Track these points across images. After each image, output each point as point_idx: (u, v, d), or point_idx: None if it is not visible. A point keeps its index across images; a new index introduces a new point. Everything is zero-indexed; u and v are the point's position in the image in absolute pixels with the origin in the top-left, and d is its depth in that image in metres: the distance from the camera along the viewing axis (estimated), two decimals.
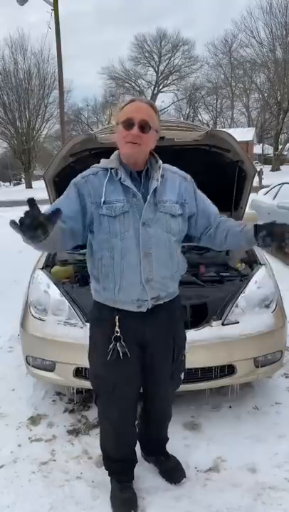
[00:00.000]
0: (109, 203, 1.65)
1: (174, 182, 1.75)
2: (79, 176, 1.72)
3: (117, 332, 1.73)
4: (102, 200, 1.65)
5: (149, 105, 1.66)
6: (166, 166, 1.77)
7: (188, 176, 1.81)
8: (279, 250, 1.74)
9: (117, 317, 1.73)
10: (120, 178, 1.66)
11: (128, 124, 1.60)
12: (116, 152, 1.72)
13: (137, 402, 1.92)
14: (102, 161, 1.74)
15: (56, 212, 1.34)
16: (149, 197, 1.66)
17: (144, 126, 1.60)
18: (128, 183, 1.65)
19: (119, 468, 2.01)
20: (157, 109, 1.71)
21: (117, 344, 1.73)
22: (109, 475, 2.03)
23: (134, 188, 1.65)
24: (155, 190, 1.67)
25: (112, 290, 1.71)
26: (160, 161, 1.73)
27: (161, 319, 1.79)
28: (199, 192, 1.83)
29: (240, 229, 1.73)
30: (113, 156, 1.72)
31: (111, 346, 1.73)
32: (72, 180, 1.72)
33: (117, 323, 1.73)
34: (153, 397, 1.97)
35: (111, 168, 1.68)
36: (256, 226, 1.64)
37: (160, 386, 1.93)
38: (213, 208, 1.85)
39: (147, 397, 1.98)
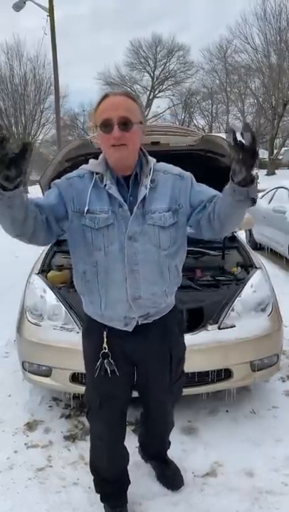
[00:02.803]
0: (93, 213, 1.50)
1: (166, 185, 1.56)
2: (63, 177, 1.59)
3: (105, 348, 1.64)
4: (86, 208, 1.50)
5: (126, 96, 1.48)
6: (160, 165, 1.60)
7: (186, 173, 1.61)
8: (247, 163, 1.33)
9: (105, 333, 1.64)
10: (105, 186, 1.51)
11: (106, 126, 1.43)
12: (102, 154, 1.55)
13: (125, 420, 1.86)
14: (91, 162, 1.59)
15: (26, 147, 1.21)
16: (136, 208, 1.50)
17: (125, 123, 1.42)
18: (113, 191, 1.50)
19: (112, 491, 1.92)
20: (136, 98, 1.51)
21: (105, 361, 1.64)
22: (101, 500, 1.94)
23: (119, 198, 1.50)
24: (144, 198, 1.51)
25: (99, 305, 1.60)
26: (151, 162, 1.57)
27: (153, 337, 1.67)
28: (196, 186, 1.60)
29: (224, 192, 1.42)
30: (100, 157, 1.56)
31: (98, 363, 1.65)
32: (55, 182, 1.59)
33: (105, 339, 1.64)
34: (151, 412, 1.93)
35: (96, 173, 1.53)
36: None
37: (155, 399, 1.86)
38: (212, 194, 1.55)
39: (145, 411, 1.96)
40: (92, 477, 1.95)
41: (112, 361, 1.64)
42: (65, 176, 1.60)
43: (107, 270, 1.54)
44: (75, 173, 1.59)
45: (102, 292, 1.58)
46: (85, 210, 1.51)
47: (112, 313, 1.61)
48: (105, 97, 1.48)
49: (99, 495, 1.95)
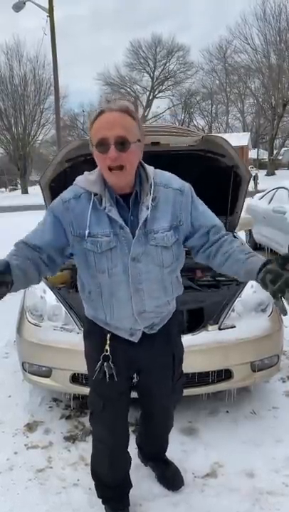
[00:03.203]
0: (94, 237, 1.46)
1: (167, 201, 1.50)
2: (59, 200, 1.52)
3: (107, 351, 1.62)
4: (87, 232, 1.46)
5: (123, 112, 1.38)
6: (159, 177, 1.53)
7: (186, 187, 1.55)
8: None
9: (108, 335, 1.62)
10: (105, 208, 1.45)
11: (102, 146, 1.37)
12: (98, 169, 1.47)
13: (127, 423, 1.85)
14: (86, 177, 1.52)
15: (4, 265, 1.29)
16: (138, 230, 1.46)
17: (122, 143, 1.35)
18: (114, 213, 1.45)
19: (113, 495, 1.90)
20: (134, 111, 1.43)
21: (105, 364, 1.62)
22: (103, 503, 1.92)
23: (120, 221, 1.45)
24: (145, 220, 1.46)
25: (104, 318, 1.61)
26: (151, 177, 1.50)
27: (157, 344, 1.67)
28: (199, 204, 1.58)
29: (244, 257, 1.43)
30: (96, 173, 1.49)
31: (98, 365, 1.63)
32: (51, 206, 1.54)
33: (108, 342, 1.62)
34: (149, 412, 1.93)
35: (95, 194, 1.47)
36: (264, 265, 1.34)
37: (157, 403, 1.87)
38: (214, 222, 1.57)
39: (144, 410, 1.95)
40: (93, 479, 1.95)
41: (111, 365, 1.62)
42: (60, 197, 1.54)
43: (111, 291, 1.53)
44: (70, 193, 1.52)
45: (107, 310, 1.58)
46: (86, 234, 1.47)
47: (118, 325, 1.61)
48: (101, 113, 1.39)
49: (99, 498, 1.94)
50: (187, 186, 1.57)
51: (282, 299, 1.28)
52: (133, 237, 1.47)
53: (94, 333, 1.69)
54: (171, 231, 1.51)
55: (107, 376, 1.63)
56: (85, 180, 1.51)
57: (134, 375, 1.78)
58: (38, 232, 1.52)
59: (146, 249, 1.49)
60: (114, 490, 1.90)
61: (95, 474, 1.91)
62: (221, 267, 1.54)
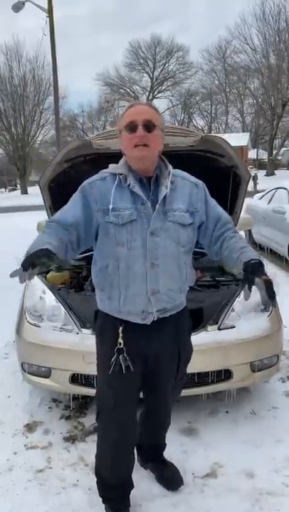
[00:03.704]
0: (117, 211, 1.59)
1: (184, 190, 1.68)
2: (86, 182, 1.68)
3: (120, 344, 1.67)
4: (110, 207, 1.59)
5: (149, 106, 1.65)
6: (177, 171, 1.71)
7: (200, 182, 1.74)
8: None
9: (120, 328, 1.68)
10: (129, 185, 1.60)
11: (131, 128, 1.57)
12: (123, 159, 1.67)
13: (136, 422, 1.88)
14: (111, 166, 1.69)
15: (49, 250, 1.41)
16: (158, 205, 1.60)
17: (148, 126, 1.56)
18: (137, 189, 1.60)
19: (115, 496, 1.91)
20: (158, 109, 1.68)
21: (120, 357, 1.67)
22: (103, 502, 1.92)
23: (143, 196, 1.59)
24: (164, 197, 1.61)
25: (117, 300, 1.66)
26: (170, 167, 1.68)
27: (167, 333, 1.73)
28: (211, 199, 1.75)
29: (236, 256, 1.63)
30: (121, 161, 1.67)
31: (113, 359, 1.67)
32: (80, 187, 1.68)
33: (121, 335, 1.68)
34: (154, 408, 1.96)
35: (119, 174, 1.62)
36: (246, 263, 1.55)
37: (162, 398, 1.91)
38: (224, 217, 1.76)
39: (148, 407, 1.97)
40: (93, 478, 1.95)
41: (126, 356, 1.67)
42: (86, 181, 1.69)
43: (128, 265, 1.61)
44: (96, 176, 1.69)
45: (122, 287, 1.64)
46: (110, 208, 1.59)
47: (130, 308, 1.66)
48: (131, 106, 1.65)
49: (101, 497, 1.94)
50: (201, 183, 1.75)
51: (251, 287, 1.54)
52: (153, 213, 1.60)
53: (107, 329, 1.74)
54: (188, 213, 1.66)
55: (124, 368, 1.67)
56: (110, 167, 1.69)
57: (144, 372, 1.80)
58: (68, 210, 1.66)
59: (164, 225, 1.61)
60: (117, 490, 1.90)
61: (99, 474, 1.92)
62: (222, 261, 1.77)
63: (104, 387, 1.78)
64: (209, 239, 1.75)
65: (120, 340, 1.68)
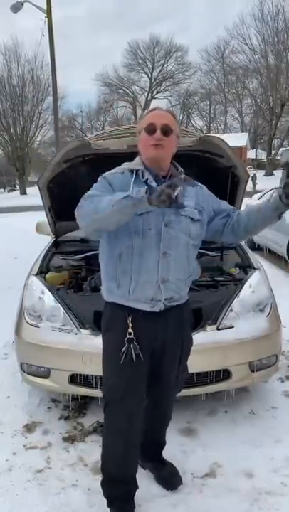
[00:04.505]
0: None
1: (191, 192, 1.79)
2: (107, 173, 1.77)
3: (130, 334, 1.72)
4: None
5: (169, 113, 1.76)
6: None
7: (202, 185, 1.87)
8: None
9: (130, 318, 1.73)
10: (147, 180, 1.70)
11: (150, 130, 1.67)
12: (138, 158, 1.77)
13: (142, 415, 1.88)
14: (126, 164, 1.79)
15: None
16: None
17: (166, 130, 1.67)
18: (154, 184, 1.68)
19: (121, 493, 1.90)
20: (176, 116, 1.81)
21: (131, 346, 1.72)
22: (108, 505, 1.90)
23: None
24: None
25: (128, 287, 1.72)
26: (181, 169, 1.76)
27: (172, 322, 1.80)
28: (214, 197, 1.91)
29: (258, 206, 1.76)
30: (137, 160, 1.78)
31: (124, 348, 1.72)
32: (101, 176, 1.76)
33: (130, 325, 1.73)
34: (157, 402, 1.97)
35: (137, 170, 1.72)
36: (278, 189, 1.67)
37: (165, 391, 1.94)
38: (228, 205, 1.92)
39: (152, 398, 1.96)
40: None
41: (137, 345, 1.72)
42: (107, 172, 1.78)
43: (141, 253, 1.69)
44: (115, 170, 1.78)
45: (134, 273, 1.71)
46: None
47: (140, 295, 1.72)
48: (153, 110, 1.77)
49: (106, 500, 1.91)
50: (204, 186, 1.89)
51: None
52: None
53: (116, 320, 1.78)
54: (197, 211, 1.78)
55: (134, 357, 1.72)
56: (126, 165, 1.79)
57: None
58: (101, 193, 1.66)
59: (177, 218, 1.72)
60: (124, 486, 1.91)
61: (106, 471, 1.92)
62: (248, 227, 1.82)
63: (113, 378, 1.80)
64: (221, 227, 1.86)
65: (130, 330, 1.73)
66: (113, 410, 1.83)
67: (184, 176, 1.76)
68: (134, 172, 1.73)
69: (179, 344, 1.87)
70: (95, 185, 1.75)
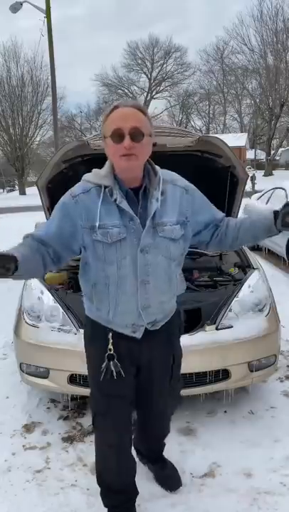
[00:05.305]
0: (104, 228, 1.49)
1: (175, 197, 1.58)
2: (68, 195, 1.55)
3: (110, 350, 1.63)
4: (97, 224, 1.49)
5: (136, 108, 1.47)
6: (166, 173, 1.60)
7: (190, 187, 1.65)
8: None
9: (110, 334, 1.64)
10: (115, 200, 1.49)
11: (117, 136, 1.43)
12: (108, 165, 1.54)
13: (131, 424, 1.82)
14: (94, 172, 1.57)
15: (10, 251, 1.34)
16: (148, 221, 1.51)
17: (135, 135, 1.42)
18: (124, 205, 1.49)
19: (120, 502, 1.83)
20: (146, 110, 1.52)
21: (111, 363, 1.63)
22: None
23: (130, 212, 1.49)
24: (155, 212, 1.52)
25: (106, 313, 1.62)
26: (159, 173, 1.57)
27: (158, 339, 1.69)
28: (201, 201, 1.67)
29: (250, 220, 1.61)
30: (106, 169, 1.54)
31: (104, 365, 1.64)
32: (61, 200, 1.57)
33: (111, 341, 1.63)
34: (149, 415, 1.91)
35: (105, 187, 1.51)
36: (275, 212, 1.51)
37: (156, 404, 1.86)
38: (218, 214, 1.70)
39: (143, 414, 1.92)
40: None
41: (117, 362, 1.64)
42: (70, 192, 1.57)
43: (118, 283, 1.55)
44: (79, 188, 1.55)
45: (112, 303, 1.59)
46: (97, 226, 1.49)
47: (120, 321, 1.62)
48: (115, 107, 1.47)
49: (106, 509, 1.87)
50: (191, 187, 1.65)
51: None
52: (143, 229, 1.51)
53: (96, 337, 1.70)
54: (178, 225, 1.58)
55: (115, 375, 1.64)
56: (95, 176, 1.56)
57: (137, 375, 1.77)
58: (46, 226, 1.57)
59: (154, 241, 1.54)
60: (123, 496, 1.84)
61: (103, 481, 1.84)
62: (236, 241, 1.66)
63: (96, 394, 1.75)
64: (208, 238, 1.70)
65: (110, 346, 1.63)
66: (101, 423, 1.75)
67: (167, 173, 1.61)
68: (102, 189, 1.50)
69: (169, 358, 1.77)
70: (53, 211, 1.58)
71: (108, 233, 1.50)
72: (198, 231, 1.67)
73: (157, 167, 1.60)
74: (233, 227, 1.64)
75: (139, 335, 1.64)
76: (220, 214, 1.71)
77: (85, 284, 1.66)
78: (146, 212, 1.52)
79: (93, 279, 1.60)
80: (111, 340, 1.64)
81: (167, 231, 1.55)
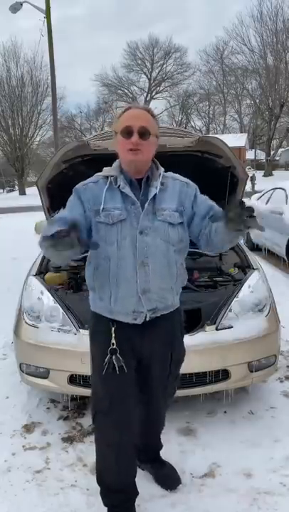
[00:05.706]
0: (107, 211, 1.63)
1: (174, 189, 1.71)
2: (79, 184, 1.72)
3: (113, 344, 1.68)
4: (101, 207, 1.63)
5: (146, 111, 1.66)
6: (169, 173, 1.75)
7: (191, 182, 1.77)
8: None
9: (113, 328, 1.69)
10: (119, 186, 1.64)
11: (127, 133, 1.59)
12: (117, 161, 1.70)
13: (135, 422, 1.83)
14: (104, 169, 1.73)
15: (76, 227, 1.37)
16: (146, 204, 1.63)
17: (143, 133, 1.59)
18: (127, 190, 1.63)
19: (120, 502, 1.83)
20: (155, 114, 1.70)
21: (113, 357, 1.68)
22: None
23: (132, 196, 1.63)
24: (154, 197, 1.64)
25: (108, 300, 1.68)
26: (161, 169, 1.71)
27: (159, 333, 1.74)
28: (201, 197, 1.75)
29: (221, 227, 1.56)
30: (114, 164, 1.71)
31: (106, 359, 1.68)
32: (74, 189, 1.72)
33: (113, 335, 1.69)
34: (149, 410, 1.95)
35: (111, 176, 1.67)
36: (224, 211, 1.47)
37: (154, 398, 1.90)
38: (211, 208, 1.71)
39: (143, 410, 1.94)
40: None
41: (120, 357, 1.68)
42: (80, 183, 1.73)
43: (118, 264, 1.63)
44: (89, 179, 1.72)
45: (112, 286, 1.66)
46: (101, 209, 1.63)
47: (121, 308, 1.68)
48: (128, 108, 1.67)
49: (106, 508, 1.87)
50: (193, 184, 1.78)
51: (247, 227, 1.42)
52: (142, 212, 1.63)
53: (100, 330, 1.75)
54: (178, 213, 1.69)
55: (117, 369, 1.68)
56: (104, 171, 1.72)
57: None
58: (66, 211, 1.68)
59: (154, 224, 1.64)
60: (123, 495, 1.84)
61: (102, 480, 1.85)
62: (217, 246, 1.69)
63: (98, 388, 1.77)
64: (198, 233, 1.72)
65: (113, 340, 1.69)
66: (102, 421, 1.77)
67: (170, 173, 1.73)
68: (109, 178, 1.67)
69: (167, 355, 1.82)
70: (69, 199, 1.71)
71: (110, 215, 1.63)
72: (191, 218, 1.72)
73: (160, 166, 1.73)
74: (214, 231, 1.64)
75: (140, 321, 1.69)
76: (214, 208, 1.73)
77: (89, 271, 1.74)
78: (147, 198, 1.65)
79: (95, 262, 1.69)
80: (114, 335, 1.69)
81: (166, 215, 1.66)
